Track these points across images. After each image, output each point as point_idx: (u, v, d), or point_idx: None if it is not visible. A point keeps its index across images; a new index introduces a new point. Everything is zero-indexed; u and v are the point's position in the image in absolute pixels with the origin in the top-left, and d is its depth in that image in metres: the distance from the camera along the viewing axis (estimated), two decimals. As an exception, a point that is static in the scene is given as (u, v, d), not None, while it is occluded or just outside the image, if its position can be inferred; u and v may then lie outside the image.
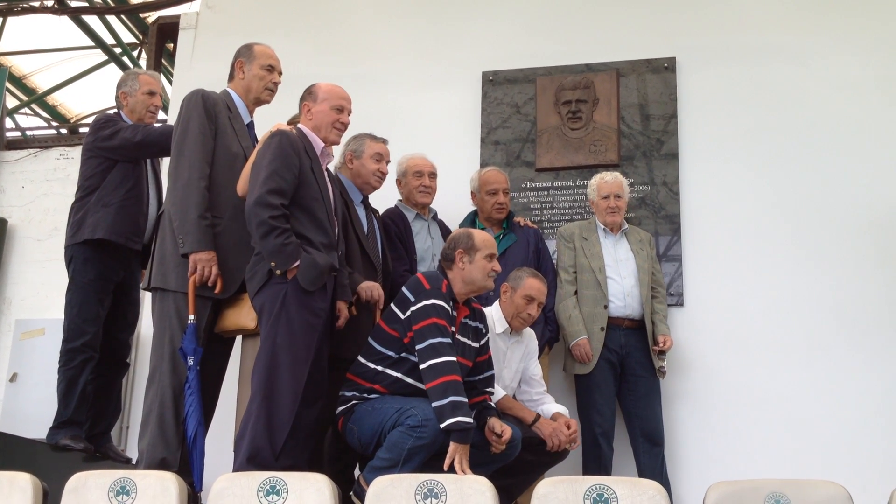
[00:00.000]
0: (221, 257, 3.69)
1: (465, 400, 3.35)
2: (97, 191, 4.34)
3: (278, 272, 3.48)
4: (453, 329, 3.57)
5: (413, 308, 3.54)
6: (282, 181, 3.55)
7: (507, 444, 3.58)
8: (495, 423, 3.58)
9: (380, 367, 3.60)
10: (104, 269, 4.33)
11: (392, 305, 3.67)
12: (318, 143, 3.82)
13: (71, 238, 4.35)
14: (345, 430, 3.63)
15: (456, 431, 3.27)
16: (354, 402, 3.59)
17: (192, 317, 3.61)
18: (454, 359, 3.42)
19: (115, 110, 4.63)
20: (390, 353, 3.59)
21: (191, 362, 3.58)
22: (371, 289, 4.00)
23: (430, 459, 3.36)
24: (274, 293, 3.51)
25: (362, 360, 3.65)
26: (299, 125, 3.88)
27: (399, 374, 3.58)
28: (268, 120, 4.17)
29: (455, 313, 3.64)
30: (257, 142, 4.03)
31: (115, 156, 4.36)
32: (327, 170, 3.92)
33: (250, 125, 4.05)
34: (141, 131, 4.34)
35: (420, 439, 3.31)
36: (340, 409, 3.64)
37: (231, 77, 4.08)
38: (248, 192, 3.60)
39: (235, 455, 3.46)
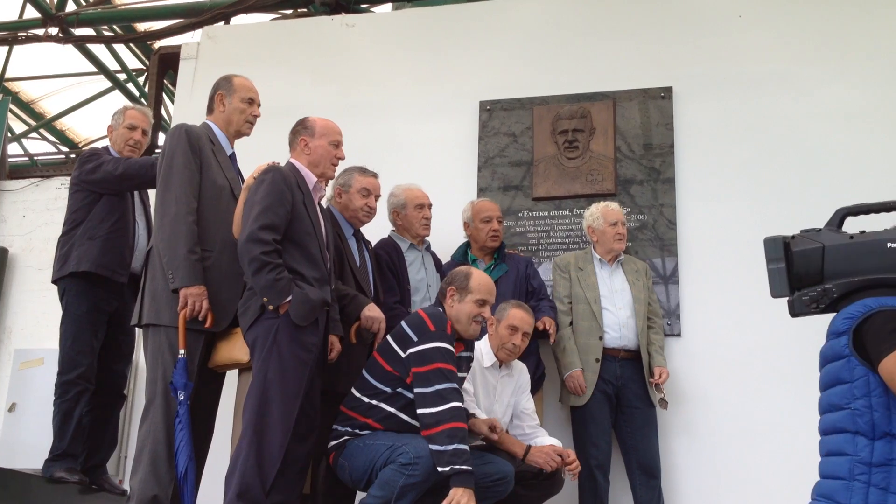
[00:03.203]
0: (212, 291, 3.70)
1: (468, 448, 3.35)
2: (83, 224, 4.38)
3: (270, 307, 3.49)
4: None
5: (416, 349, 3.52)
6: (274, 217, 3.56)
7: (499, 481, 3.57)
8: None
9: (374, 402, 3.60)
10: (97, 300, 4.35)
11: (390, 340, 3.65)
12: (311, 178, 3.84)
13: (58, 271, 4.37)
14: (336, 465, 3.64)
15: (457, 475, 3.27)
16: (346, 437, 3.60)
17: (182, 351, 3.61)
18: (461, 404, 3.43)
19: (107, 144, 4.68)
20: (385, 389, 3.59)
21: (181, 397, 3.57)
22: (374, 320, 3.99)
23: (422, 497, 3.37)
24: (266, 328, 3.52)
25: (357, 395, 3.66)
26: (291, 160, 3.90)
27: (393, 410, 3.58)
28: (255, 148, 4.21)
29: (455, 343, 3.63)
30: (241, 173, 4.05)
31: (99, 189, 4.40)
32: (319, 204, 3.94)
33: (232, 156, 4.08)
34: (122, 164, 4.37)
35: (412, 477, 3.32)
36: (332, 443, 3.64)
37: (210, 109, 4.11)
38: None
39: (225, 491, 3.46)
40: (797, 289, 2.44)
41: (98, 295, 4.35)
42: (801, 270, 2.42)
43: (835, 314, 2.35)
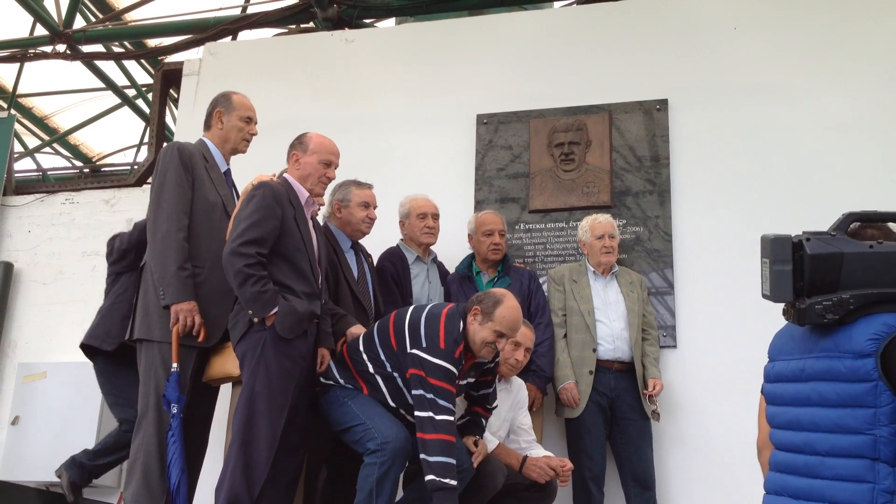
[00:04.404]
0: (203, 306, 3.74)
1: (455, 462, 3.40)
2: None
3: (256, 320, 3.53)
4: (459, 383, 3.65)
5: (420, 354, 3.51)
6: (260, 231, 3.60)
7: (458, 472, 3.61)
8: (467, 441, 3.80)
9: (371, 369, 3.68)
10: (120, 362, 4.24)
11: (406, 323, 3.63)
12: (303, 193, 3.88)
13: None
14: (318, 399, 3.79)
15: (441, 490, 3.32)
16: (333, 385, 3.73)
17: (175, 365, 3.66)
18: (452, 418, 3.47)
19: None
20: (386, 364, 3.65)
21: (174, 410, 3.62)
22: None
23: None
24: (254, 341, 3.57)
25: (360, 347, 3.74)
26: (284, 175, 3.94)
27: (384, 388, 3.67)
28: (255, 162, 4.26)
29: (462, 364, 3.65)
30: (235, 188, 4.10)
31: (121, 268, 4.32)
32: (314, 219, 3.98)
33: (227, 173, 4.12)
34: (125, 235, 4.33)
35: (382, 466, 3.41)
36: (323, 380, 3.78)
37: (208, 126, 4.16)
38: None
39: (215, 502, 3.50)
40: (805, 295, 2.22)
41: (107, 359, 4.26)
42: (816, 276, 2.20)
43: (840, 328, 2.16)
